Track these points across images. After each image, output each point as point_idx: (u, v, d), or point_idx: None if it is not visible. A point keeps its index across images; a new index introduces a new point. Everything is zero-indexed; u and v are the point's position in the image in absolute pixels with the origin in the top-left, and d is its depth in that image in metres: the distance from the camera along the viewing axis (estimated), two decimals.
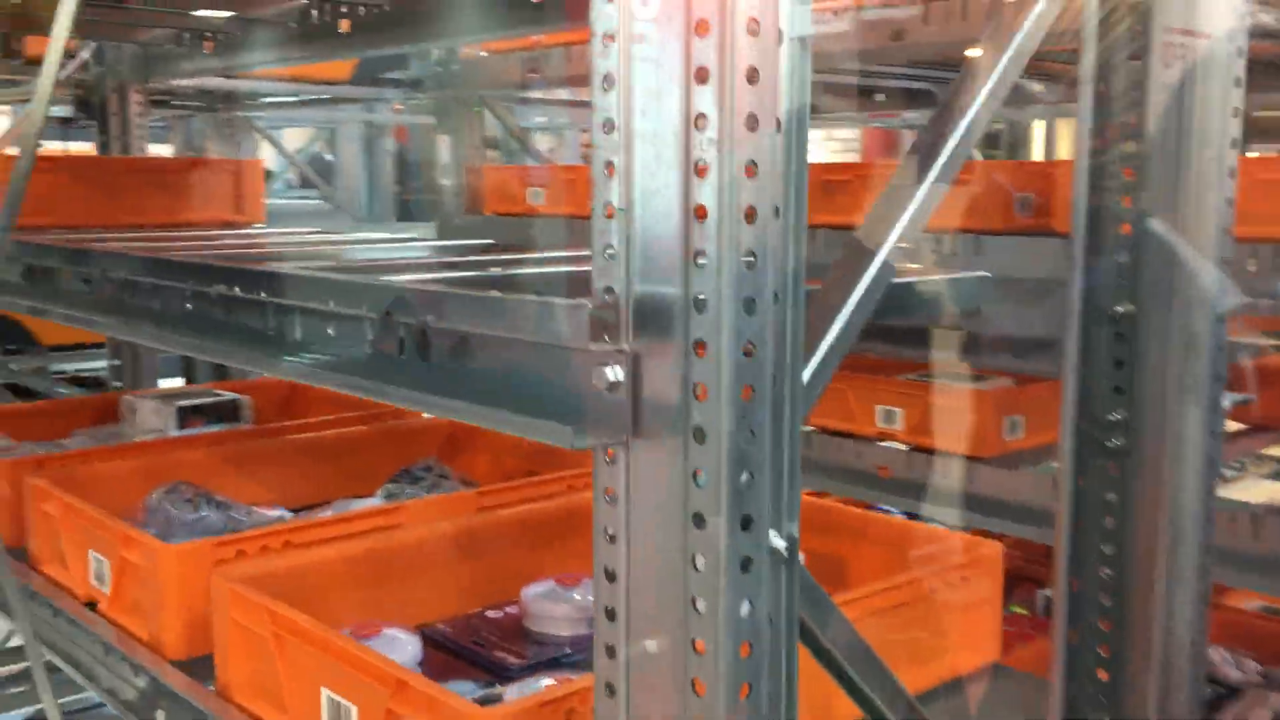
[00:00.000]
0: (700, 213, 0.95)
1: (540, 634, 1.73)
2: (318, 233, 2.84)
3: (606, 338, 1.03)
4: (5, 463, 2.22)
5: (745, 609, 1.00)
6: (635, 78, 0.98)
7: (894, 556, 1.86)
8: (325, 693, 1.44)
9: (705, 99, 0.94)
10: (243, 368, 1.55)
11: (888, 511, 2.92)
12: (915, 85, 3.99)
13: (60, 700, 2.68)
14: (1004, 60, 1.27)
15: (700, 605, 0.99)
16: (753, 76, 0.93)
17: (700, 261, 0.96)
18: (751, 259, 0.96)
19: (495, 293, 1.13)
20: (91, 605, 1.93)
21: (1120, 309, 1.55)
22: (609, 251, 1.02)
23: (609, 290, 1.03)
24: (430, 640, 1.74)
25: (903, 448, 2.66)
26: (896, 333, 2.22)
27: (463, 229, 4.22)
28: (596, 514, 1.07)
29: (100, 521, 1.88)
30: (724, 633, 0.99)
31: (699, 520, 0.99)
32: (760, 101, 0.94)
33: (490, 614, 1.82)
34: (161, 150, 7.25)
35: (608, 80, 1.00)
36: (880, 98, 4.65)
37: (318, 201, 6.13)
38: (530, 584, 1.79)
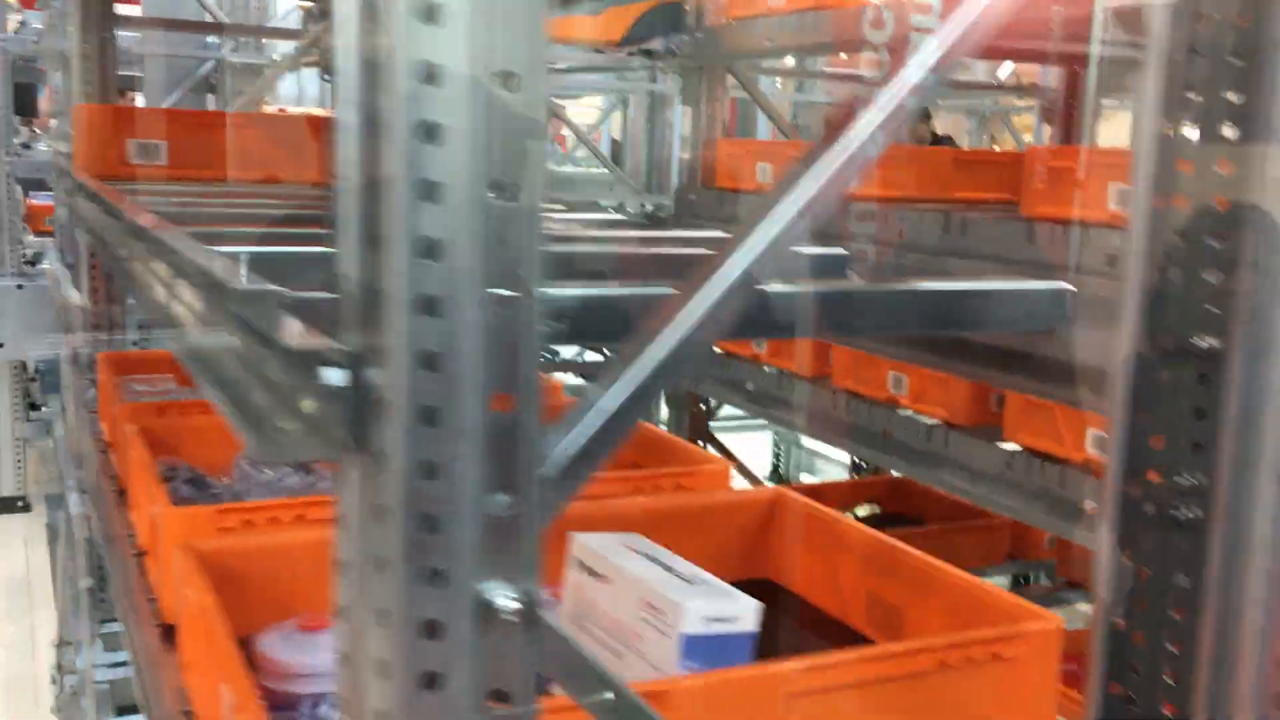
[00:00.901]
0: (375, 185, 0.76)
1: None
2: None
3: (331, 333, 0.86)
4: (126, 407, 2.29)
5: (428, 682, 0.80)
6: (341, 9, 0.80)
7: (956, 617, 1.55)
8: (224, 689, 1.35)
9: (379, 37, 0.74)
10: None
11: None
12: None
13: None
14: (949, 31, 0.97)
15: (386, 669, 0.81)
16: (433, 15, 0.73)
17: (381, 248, 0.77)
18: (431, 245, 0.75)
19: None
20: (142, 555, 1.95)
21: (1204, 343, 1.19)
22: (343, 231, 0.84)
23: (345, 278, 0.86)
24: None
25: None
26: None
27: (695, 204, 4.07)
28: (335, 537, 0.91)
29: (144, 476, 1.89)
30: (399, 710, 0.80)
31: (381, 565, 0.80)
32: (438, 46, 0.73)
33: None
34: None
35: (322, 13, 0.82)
36: None
37: (602, 171, 6.14)
38: None
